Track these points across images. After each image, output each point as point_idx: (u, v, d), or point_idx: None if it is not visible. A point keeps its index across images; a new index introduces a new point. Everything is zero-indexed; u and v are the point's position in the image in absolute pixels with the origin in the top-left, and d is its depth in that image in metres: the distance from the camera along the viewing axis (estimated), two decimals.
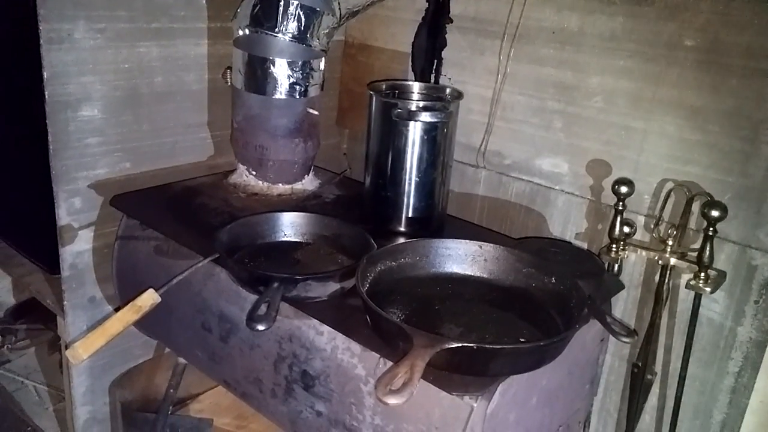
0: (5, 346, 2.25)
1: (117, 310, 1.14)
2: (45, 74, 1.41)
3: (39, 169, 1.54)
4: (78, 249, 1.58)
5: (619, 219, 1.36)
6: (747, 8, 1.25)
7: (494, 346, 0.91)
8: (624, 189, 1.34)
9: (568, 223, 1.58)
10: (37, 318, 2.22)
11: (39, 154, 1.50)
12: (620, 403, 1.54)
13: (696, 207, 1.30)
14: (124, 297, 1.50)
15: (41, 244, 1.69)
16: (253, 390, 1.23)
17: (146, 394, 1.75)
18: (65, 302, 1.60)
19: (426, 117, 1.35)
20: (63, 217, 1.53)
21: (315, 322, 1.11)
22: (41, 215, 1.58)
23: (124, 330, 1.07)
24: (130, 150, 1.60)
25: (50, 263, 1.66)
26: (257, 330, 0.98)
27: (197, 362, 1.38)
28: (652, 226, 1.40)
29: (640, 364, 1.41)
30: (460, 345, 0.89)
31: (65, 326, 1.63)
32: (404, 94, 1.52)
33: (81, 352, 1.00)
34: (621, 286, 1.37)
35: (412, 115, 1.35)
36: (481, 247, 1.20)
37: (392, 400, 0.80)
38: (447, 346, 0.89)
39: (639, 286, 1.47)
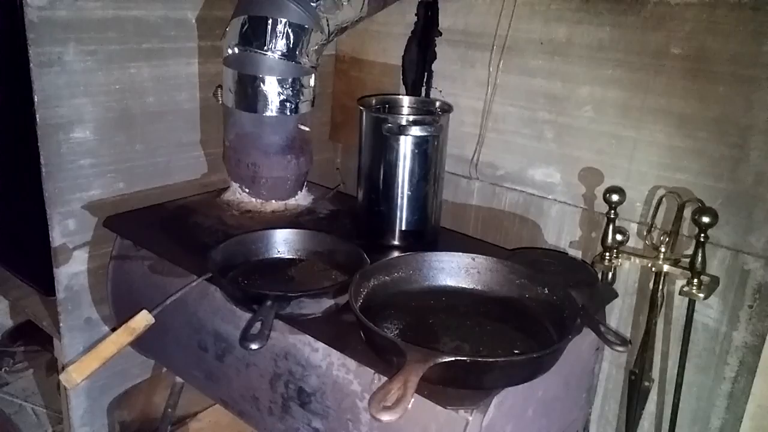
0: (3, 369, 2.24)
1: (114, 330, 1.14)
2: (36, 97, 1.41)
3: (33, 192, 1.54)
4: (73, 270, 1.58)
5: (611, 227, 1.36)
6: (732, 16, 1.26)
7: (488, 360, 0.92)
8: (615, 197, 1.34)
9: (562, 232, 1.58)
10: (35, 340, 2.21)
11: (33, 176, 1.51)
12: (619, 411, 1.54)
13: (687, 213, 1.31)
14: (120, 317, 1.50)
15: (37, 266, 1.68)
16: (250, 408, 1.23)
17: (145, 414, 1.74)
18: (61, 324, 1.60)
19: (416, 131, 1.36)
20: (57, 238, 1.53)
21: (310, 339, 1.11)
22: (36, 238, 1.58)
23: (118, 352, 1.07)
24: (123, 170, 1.61)
25: (46, 285, 1.65)
26: (251, 349, 0.98)
27: (194, 381, 1.38)
28: (644, 234, 1.40)
29: (637, 372, 1.41)
30: (453, 359, 0.89)
31: (62, 348, 1.63)
32: (394, 108, 1.53)
33: (75, 376, 1.00)
34: (614, 295, 1.37)
35: (402, 130, 1.35)
36: (474, 259, 1.21)
37: (386, 417, 0.80)
38: (440, 360, 0.89)
39: (634, 293, 1.47)
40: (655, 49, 1.37)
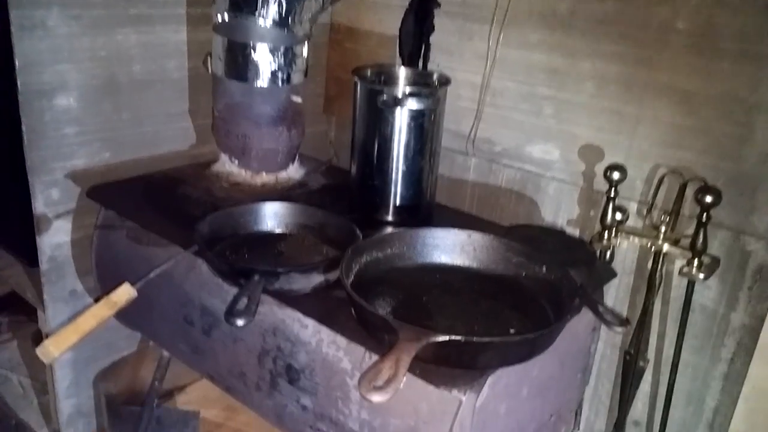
0: None
1: (98, 300, 1.10)
2: (17, 62, 1.36)
3: (16, 160, 1.49)
4: (57, 241, 1.54)
5: (611, 205, 1.33)
6: None
7: (483, 339, 0.88)
8: (616, 175, 1.31)
9: (559, 210, 1.55)
10: (21, 310, 2.17)
11: (15, 144, 1.46)
12: (612, 391, 1.52)
13: (689, 193, 1.28)
14: (105, 289, 1.45)
15: (20, 236, 1.64)
16: (237, 384, 1.20)
17: (132, 387, 1.71)
18: (45, 296, 1.56)
19: (413, 104, 1.31)
20: (40, 208, 1.49)
21: (299, 314, 1.08)
22: (19, 207, 1.54)
23: (98, 326, 1.03)
24: (109, 140, 1.56)
25: (29, 256, 1.61)
26: (236, 325, 0.95)
27: (181, 355, 1.35)
28: (644, 213, 1.37)
29: (632, 352, 1.39)
30: (447, 338, 0.86)
31: (46, 320, 1.59)
32: (390, 79, 1.48)
33: (52, 349, 0.96)
34: (613, 274, 1.34)
35: (398, 102, 1.31)
36: (469, 236, 1.17)
37: (376, 397, 0.77)
38: (434, 339, 0.86)
39: (631, 273, 1.45)
40: (660, 23, 1.33)
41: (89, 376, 1.70)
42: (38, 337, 2.10)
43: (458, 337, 0.86)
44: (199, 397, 1.80)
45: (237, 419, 1.76)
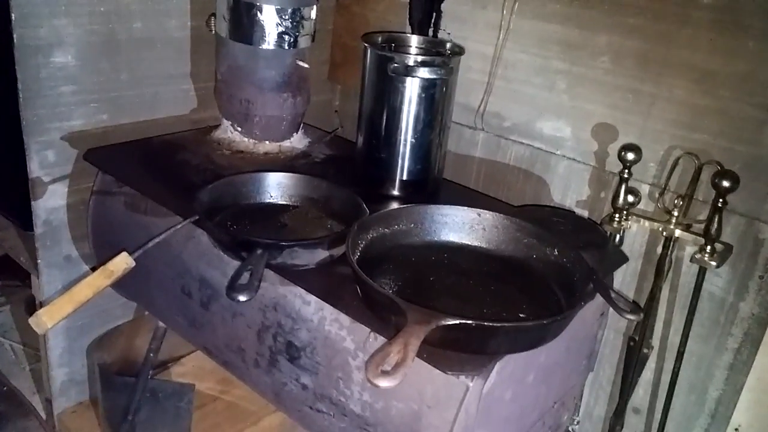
0: None
1: (94, 269, 1.06)
2: (13, 15, 1.31)
3: (11, 120, 1.44)
4: (52, 205, 1.49)
5: (623, 187, 1.29)
6: None
7: (494, 324, 0.85)
8: (631, 156, 1.27)
9: (568, 189, 1.51)
10: (14, 274, 2.14)
11: (10, 102, 1.41)
12: (614, 377, 1.50)
13: (704, 177, 1.24)
14: (100, 256, 1.43)
15: (14, 198, 1.60)
16: (235, 359, 1.18)
17: (126, 357, 1.69)
18: (39, 260, 1.52)
19: (425, 73, 1.26)
20: (35, 170, 1.44)
21: (301, 290, 1.05)
22: (14, 169, 1.49)
23: (94, 296, 0.99)
24: (107, 100, 1.50)
25: (23, 219, 1.57)
26: (238, 301, 0.91)
27: (177, 327, 1.32)
28: (657, 196, 1.33)
29: (636, 338, 1.36)
30: (458, 322, 0.83)
31: (40, 286, 1.56)
32: (401, 47, 1.43)
33: (45, 320, 0.93)
34: (624, 259, 1.31)
35: (409, 71, 1.26)
36: (479, 214, 1.13)
37: (384, 383, 0.74)
38: (444, 322, 0.83)
39: (639, 257, 1.42)
40: None
41: (83, 344, 1.67)
42: (32, 303, 2.07)
43: (469, 321, 0.83)
44: (195, 368, 1.78)
45: (232, 392, 1.75)
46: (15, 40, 1.32)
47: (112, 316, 1.69)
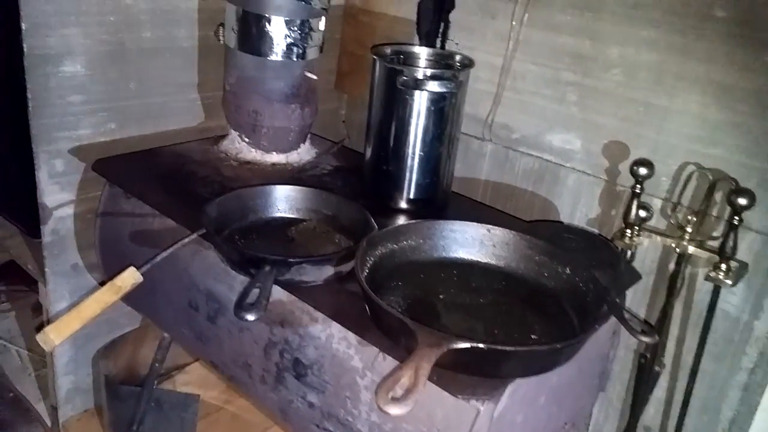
0: None
1: (102, 284, 1.05)
2: (23, 25, 1.30)
3: (21, 129, 1.44)
4: (60, 214, 1.49)
5: (635, 202, 1.27)
6: None
7: (507, 348, 0.83)
8: (643, 170, 1.25)
9: (577, 203, 1.49)
10: (20, 280, 2.13)
11: (19, 111, 1.40)
12: (625, 395, 1.48)
13: (718, 193, 1.22)
14: (107, 267, 1.42)
15: (22, 206, 1.59)
16: (241, 374, 1.16)
17: (131, 366, 1.68)
18: (47, 269, 1.52)
19: (434, 86, 1.25)
20: (44, 179, 1.44)
21: (309, 307, 1.03)
22: (23, 176, 1.49)
23: (102, 312, 0.98)
24: (115, 110, 1.50)
25: (31, 227, 1.56)
26: (246, 320, 0.90)
27: (183, 341, 1.31)
28: (669, 212, 1.32)
29: (648, 356, 1.34)
30: (470, 345, 0.81)
31: (47, 294, 1.55)
32: (410, 60, 1.42)
33: (53, 337, 0.92)
34: (638, 277, 1.28)
35: (418, 84, 1.25)
36: (489, 230, 1.12)
37: (394, 410, 0.72)
38: (455, 346, 0.81)
39: (651, 273, 1.39)
40: (698, 10, 1.25)
41: (89, 352, 1.67)
42: (38, 309, 2.07)
43: (481, 345, 0.81)
44: (200, 377, 1.77)
45: (237, 402, 1.74)
46: (25, 50, 1.32)
47: (117, 325, 1.68)
